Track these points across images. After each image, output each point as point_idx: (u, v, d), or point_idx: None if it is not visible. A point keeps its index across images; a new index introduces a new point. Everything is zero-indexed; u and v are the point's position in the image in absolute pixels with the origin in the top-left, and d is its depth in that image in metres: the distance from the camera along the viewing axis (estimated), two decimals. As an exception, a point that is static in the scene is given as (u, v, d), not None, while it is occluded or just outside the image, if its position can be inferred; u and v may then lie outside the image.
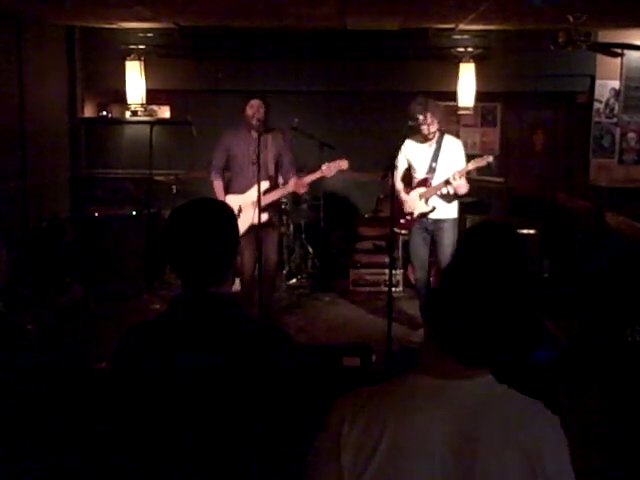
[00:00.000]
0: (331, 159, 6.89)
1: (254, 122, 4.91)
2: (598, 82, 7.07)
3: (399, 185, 5.18)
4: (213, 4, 5.39)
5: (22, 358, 1.82)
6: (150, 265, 6.34)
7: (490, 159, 4.93)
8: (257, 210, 4.81)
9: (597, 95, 7.10)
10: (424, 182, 5.05)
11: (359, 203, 7.29)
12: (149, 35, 6.90)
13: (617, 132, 7.17)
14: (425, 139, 4.99)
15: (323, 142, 6.17)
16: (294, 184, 5.09)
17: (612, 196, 6.66)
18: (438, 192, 4.99)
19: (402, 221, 5.15)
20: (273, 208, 5.17)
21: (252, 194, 4.95)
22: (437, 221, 5.06)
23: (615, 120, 7.15)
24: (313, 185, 6.96)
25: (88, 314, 5.64)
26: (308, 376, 1.79)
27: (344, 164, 5.03)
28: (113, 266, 6.07)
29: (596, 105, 7.12)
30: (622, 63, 6.95)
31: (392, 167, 4.58)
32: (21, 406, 1.78)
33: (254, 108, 4.93)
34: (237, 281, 5.16)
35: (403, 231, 5.31)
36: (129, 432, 1.66)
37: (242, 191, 5.06)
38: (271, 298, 5.37)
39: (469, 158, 5.06)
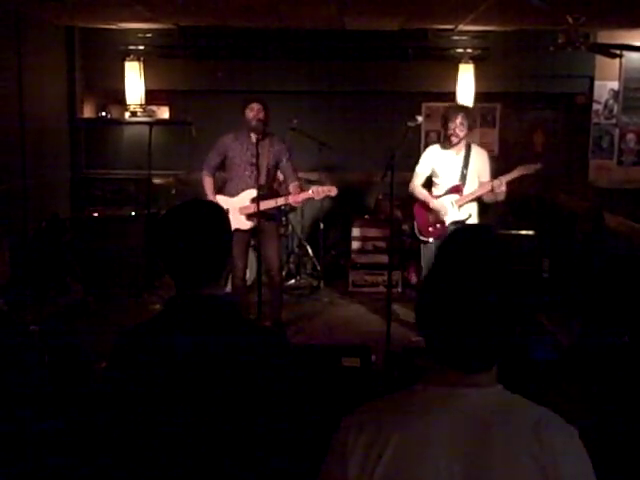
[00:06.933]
0: (330, 159, 6.88)
1: (254, 124, 4.84)
2: (597, 83, 7.08)
3: (423, 192, 5.14)
4: (213, 4, 5.39)
5: (24, 358, 1.83)
6: (150, 265, 6.34)
7: (538, 166, 4.94)
8: (243, 216, 4.93)
9: (596, 96, 7.10)
10: (456, 189, 5.03)
11: (359, 203, 7.29)
12: (148, 35, 6.89)
13: (616, 133, 7.18)
14: (452, 146, 4.99)
15: (322, 142, 6.17)
16: (291, 198, 4.91)
17: (611, 197, 6.67)
18: (471, 198, 5.00)
19: (431, 229, 5.10)
20: (266, 216, 4.96)
21: (241, 200, 4.96)
22: (459, 224, 5.01)
23: (614, 121, 7.16)
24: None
25: (88, 314, 5.64)
26: (305, 376, 1.80)
27: (333, 191, 4.88)
28: (113, 266, 6.08)
29: (595, 106, 7.12)
30: (621, 64, 6.95)
31: (392, 167, 4.57)
32: (24, 405, 1.78)
33: (254, 111, 4.88)
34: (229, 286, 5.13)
35: (431, 239, 5.12)
36: (125, 433, 1.66)
37: (233, 194, 5.03)
38: (280, 305, 5.31)
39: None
